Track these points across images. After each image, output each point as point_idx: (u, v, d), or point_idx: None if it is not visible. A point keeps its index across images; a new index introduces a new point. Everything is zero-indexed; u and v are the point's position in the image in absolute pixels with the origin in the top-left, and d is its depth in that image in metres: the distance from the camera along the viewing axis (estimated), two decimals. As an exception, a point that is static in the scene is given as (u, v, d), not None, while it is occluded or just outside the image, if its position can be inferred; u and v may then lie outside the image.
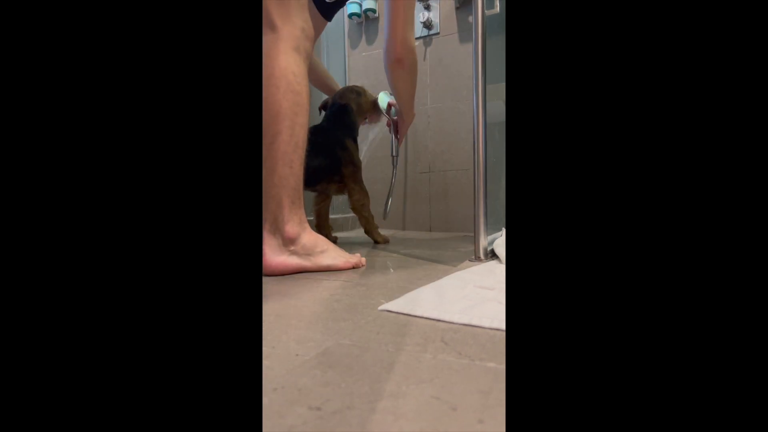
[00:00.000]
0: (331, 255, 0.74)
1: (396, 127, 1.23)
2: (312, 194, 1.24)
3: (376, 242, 1.21)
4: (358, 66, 1.84)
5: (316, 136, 1.08)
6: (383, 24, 0.95)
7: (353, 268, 0.76)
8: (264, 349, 0.36)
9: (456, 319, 0.43)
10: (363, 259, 0.79)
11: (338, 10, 1.11)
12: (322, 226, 1.27)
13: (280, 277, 0.71)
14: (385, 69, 0.97)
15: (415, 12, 1.70)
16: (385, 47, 0.93)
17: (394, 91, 1.02)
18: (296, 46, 0.71)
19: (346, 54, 1.87)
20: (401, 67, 0.93)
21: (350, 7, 1.76)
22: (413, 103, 1.11)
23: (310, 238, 0.72)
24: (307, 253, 0.71)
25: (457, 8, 1.62)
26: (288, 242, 0.70)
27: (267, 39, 0.70)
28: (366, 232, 1.22)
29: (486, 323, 0.41)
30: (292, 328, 0.42)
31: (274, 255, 0.69)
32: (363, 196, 1.17)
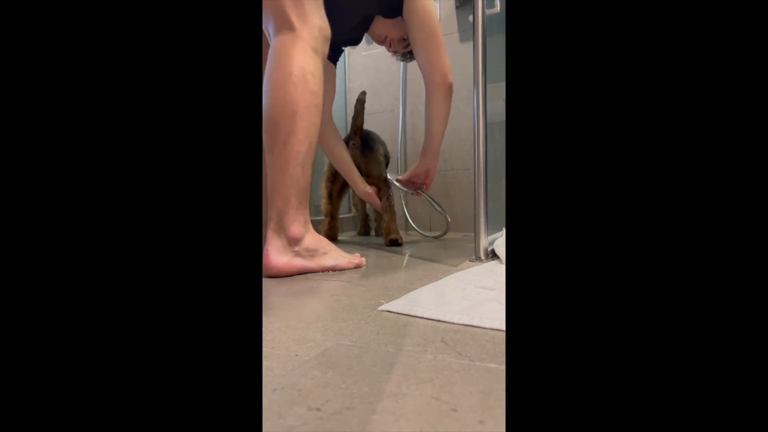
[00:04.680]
0: (334, 255, 0.75)
1: (416, 182, 1.14)
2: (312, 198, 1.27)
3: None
4: (358, 66, 1.84)
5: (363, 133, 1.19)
6: (417, 51, 0.96)
7: (356, 267, 0.77)
8: (264, 349, 0.36)
9: (456, 319, 0.43)
10: (363, 260, 0.80)
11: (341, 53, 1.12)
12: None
13: (280, 277, 0.71)
14: (428, 97, 0.98)
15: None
16: (431, 74, 0.95)
17: (434, 121, 1.00)
18: (314, 47, 0.71)
19: (346, 54, 1.87)
20: (449, 93, 0.97)
21: (350, 7, 1.75)
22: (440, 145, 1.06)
23: (313, 238, 0.72)
24: (311, 254, 0.71)
25: (457, 7, 1.62)
26: (292, 242, 0.70)
27: (285, 38, 0.69)
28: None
29: (487, 324, 0.41)
30: (292, 328, 0.42)
31: (279, 255, 0.69)
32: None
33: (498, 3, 1.01)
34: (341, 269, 0.75)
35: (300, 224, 0.70)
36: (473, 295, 0.53)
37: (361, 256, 0.82)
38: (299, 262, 0.70)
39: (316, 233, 0.74)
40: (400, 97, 1.72)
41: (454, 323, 0.42)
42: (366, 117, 1.77)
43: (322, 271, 0.73)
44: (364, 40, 1.83)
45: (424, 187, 1.15)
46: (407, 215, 1.65)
